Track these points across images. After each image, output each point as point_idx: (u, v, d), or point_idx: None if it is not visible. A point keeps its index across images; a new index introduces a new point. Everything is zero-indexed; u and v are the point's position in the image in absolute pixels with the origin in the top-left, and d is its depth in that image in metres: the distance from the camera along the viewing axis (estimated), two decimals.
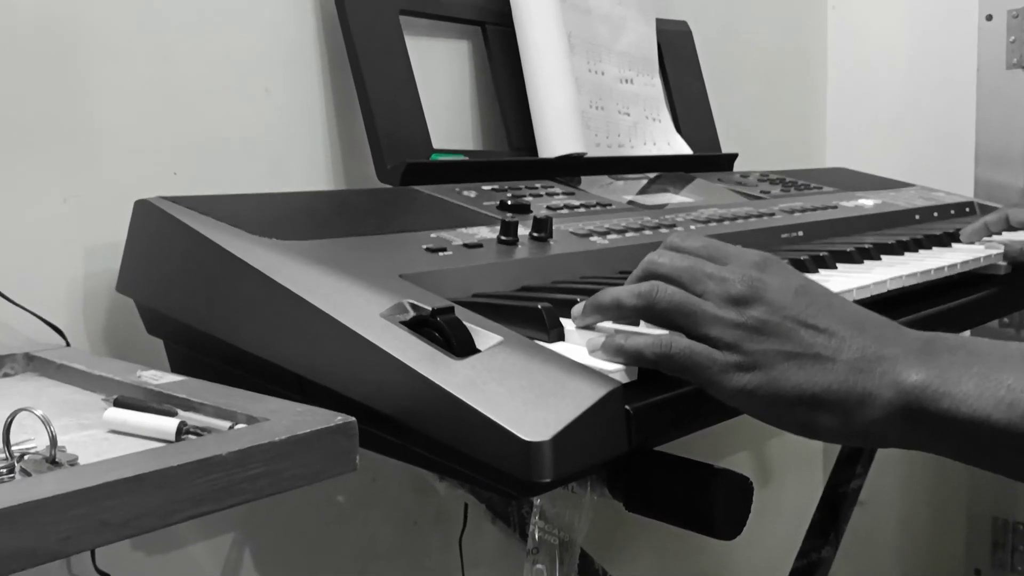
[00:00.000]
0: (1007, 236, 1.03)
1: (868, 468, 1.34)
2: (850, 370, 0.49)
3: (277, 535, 0.94)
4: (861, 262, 0.82)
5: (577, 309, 0.56)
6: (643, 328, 0.54)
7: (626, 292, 0.53)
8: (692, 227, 0.89)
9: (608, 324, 0.56)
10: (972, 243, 1.00)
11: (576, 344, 0.54)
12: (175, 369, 0.74)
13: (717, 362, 0.50)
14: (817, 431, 0.50)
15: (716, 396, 0.51)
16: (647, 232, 0.84)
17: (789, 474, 1.66)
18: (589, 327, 0.55)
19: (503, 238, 0.73)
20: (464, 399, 0.47)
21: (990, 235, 1.03)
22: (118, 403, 0.55)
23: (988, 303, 0.89)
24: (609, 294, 0.54)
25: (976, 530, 1.56)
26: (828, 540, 1.31)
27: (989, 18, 1.48)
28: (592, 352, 0.52)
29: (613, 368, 0.50)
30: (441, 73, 1.05)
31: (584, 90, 1.09)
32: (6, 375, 0.68)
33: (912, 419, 0.48)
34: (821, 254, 0.78)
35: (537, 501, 0.58)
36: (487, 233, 0.75)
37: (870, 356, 0.49)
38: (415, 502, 1.06)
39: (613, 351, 0.51)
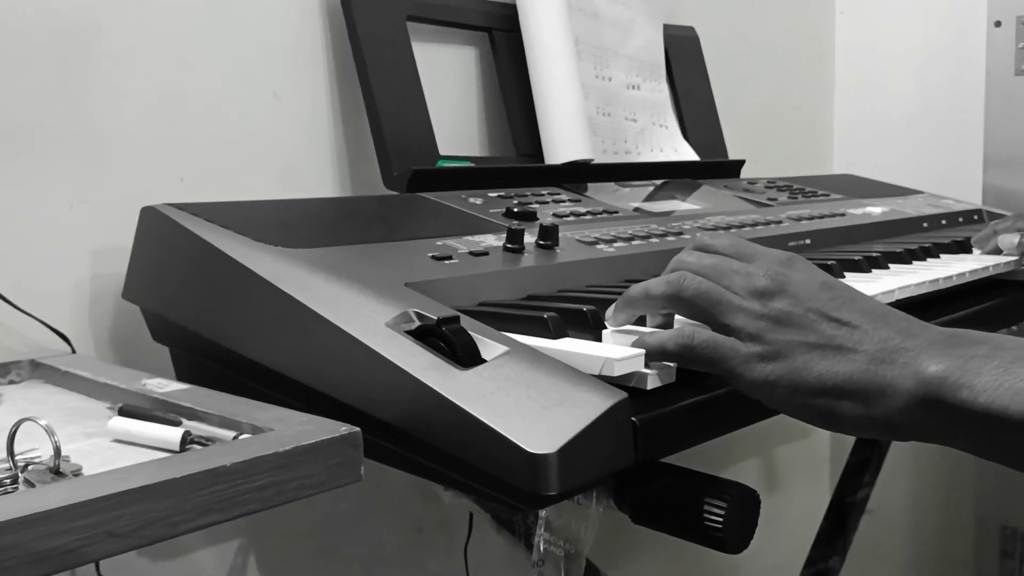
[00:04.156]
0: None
1: (876, 477, 1.33)
2: (871, 360, 0.49)
3: (282, 542, 0.94)
4: (869, 271, 0.82)
5: (610, 311, 0.57)
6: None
7: (654, 282, 0.55)
8: (699, 234, 0.89)
9: (639, 328, 0.56)
10: (983, 250, 1.00)
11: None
12: (180, 376, 0.74)
13: (740, 353, 0.51)
14: (838, 421, 0.50)
15: (738, 387, 0.52)
16: (654, 240, 0.84)
17: (795, 482, 1.65)
18: (623, 328, 0.56)
19: (509, 246, 0.73)
20: (469, 410, 0.47)
21: None
22: (123, 412, 0.55)
23: (1003, 310, 0.88)
24: (638, 287, 0.56)
25: (984, 539, 1.55)
26: (836, 549, 1.31)
27: (998, 24, 1.47)
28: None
29: (652, 371, 0.51)
30: (448, 79, 1.05)
31: (591, 96, 1.09)
32: (11, 382, 0.68)
33: (931, 409, 0.48)
34: (829, 263, 0.78)
35: (543, 513, 0.57)
36: (493, 241, 0.75)
37: (892, 347, 0.49)
38: (420, 510, 1.05)
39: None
